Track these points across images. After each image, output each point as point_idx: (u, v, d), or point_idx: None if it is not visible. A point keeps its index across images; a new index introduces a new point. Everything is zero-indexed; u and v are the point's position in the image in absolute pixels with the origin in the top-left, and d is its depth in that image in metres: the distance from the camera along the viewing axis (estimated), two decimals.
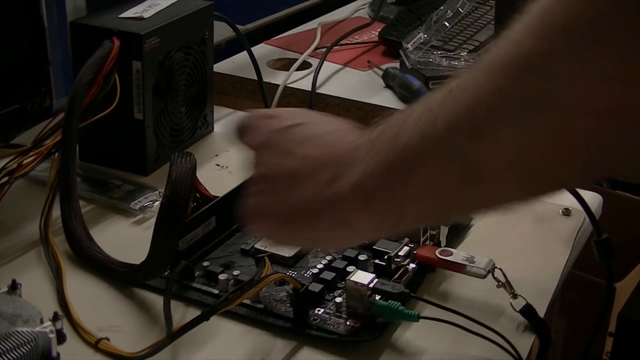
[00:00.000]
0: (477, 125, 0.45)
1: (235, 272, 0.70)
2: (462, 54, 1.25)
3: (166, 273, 0.71)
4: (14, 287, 0.65)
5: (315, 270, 0.71)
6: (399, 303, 0.64)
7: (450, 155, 0.47)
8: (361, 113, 1.33)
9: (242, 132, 0.63)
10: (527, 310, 0.67)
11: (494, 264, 0.68)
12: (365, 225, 0.53)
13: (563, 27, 0.41)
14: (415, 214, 0.51)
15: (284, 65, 1.29)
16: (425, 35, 1.21)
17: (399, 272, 0.69)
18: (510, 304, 0.67)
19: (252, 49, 1.14)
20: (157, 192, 0.86)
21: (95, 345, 0.63)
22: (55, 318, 0.62)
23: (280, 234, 0.59)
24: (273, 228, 0.58)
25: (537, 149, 0.44)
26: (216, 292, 0.69)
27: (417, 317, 0.64)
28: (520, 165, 0.45)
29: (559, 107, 0.42)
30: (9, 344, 0.56)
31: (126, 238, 0.79)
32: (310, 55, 1.30)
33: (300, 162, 0.56)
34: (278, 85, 1.20)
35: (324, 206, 0.53)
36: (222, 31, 1.12)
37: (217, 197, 0.76)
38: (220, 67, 1.23)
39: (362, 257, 0.72)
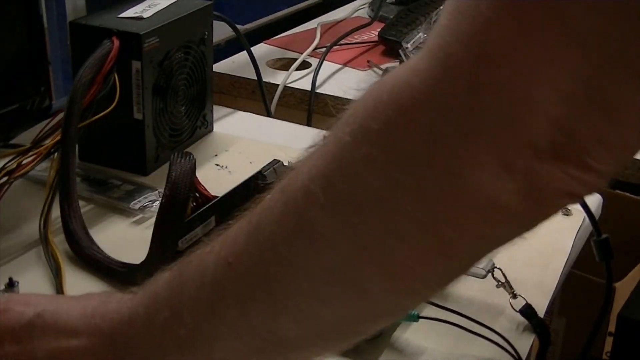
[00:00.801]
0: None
1: None
2: None
3: None
4: (11, 284, 0.65)
5: None
6: None
7: (253, 322, 0.45)
8: None
9: None
10: (527, 310, 0.67)
11: (494, 264, 0.68)
12: None
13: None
14: None
15: (284, 65, 1.29)
16: (425, 35, 1.21)
17: None
18: (510, 303, 0.67)
19: (251, 48, 1.14)
20: (156, 192, 0.86)
21: None
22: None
23: None
24: None
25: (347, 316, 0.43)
26: None
27: (417, 317, 0.64)
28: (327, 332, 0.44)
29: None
30: None
31: (126, 238, 0.79)
32: (310, 55, 1.30)
33: None
34: (278, 85, 1.20)
35: None
36: (221, 31, 1.12)
37: (217, 197, 0.76)
38: (219, 67, 1.23)
39: None
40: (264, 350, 0.45)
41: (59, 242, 0.76)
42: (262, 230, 0.43)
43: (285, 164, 0.89)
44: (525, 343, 0.65)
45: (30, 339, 0.50)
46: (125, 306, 0.49)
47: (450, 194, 0.38)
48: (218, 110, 1.06)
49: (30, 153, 0.78)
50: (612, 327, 1.14)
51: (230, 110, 1.09)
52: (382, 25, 1.38)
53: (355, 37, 1.39)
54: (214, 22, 0.99)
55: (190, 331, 0.45)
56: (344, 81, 1.23)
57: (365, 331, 0.45)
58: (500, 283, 0.68)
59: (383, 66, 1.23)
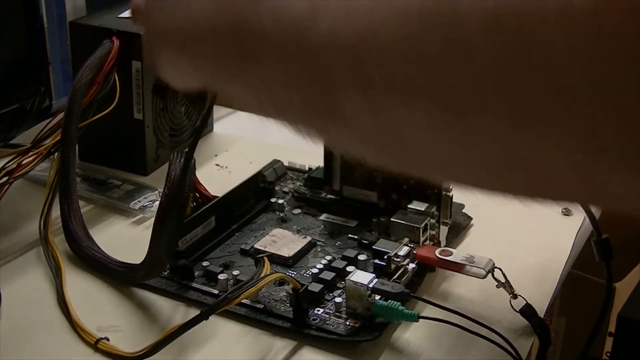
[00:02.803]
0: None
1: (235, 272, 0.70)
2: None
3: (165, 273, 0.71)
4: None
5: (314, 270, 0.71)
6: (398, 303, 0.64)
7: (313, 72, 0.36)
8: None
9: None
10: (527, 310, 0.67)
11: (494, 264, 0.68)
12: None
13: None
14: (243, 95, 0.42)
15: None
16: None
17: (399, 272, 0.69)
18: (510, 304, 0.67)
19: None
20: (156, 192, 0.86)
21: (95, 345, 0.63)
22: None
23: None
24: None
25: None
26: (216, 292, 0.69)
27: (417, 317, 0.64)
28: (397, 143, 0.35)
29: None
30: None
31: (126, 238, 0.79)
32: None
33: None
34: None
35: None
36: None
37: (217, 197, 0.76)
38: None
39: (361, 257, 0.72)
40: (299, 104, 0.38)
41: (59, 242, 0.76)
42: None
43: (285, 164, 0.89)
44: (525, 343, 0.65)
45: None
46: None
47: None
48: (218, 110, 1.06)
49: (30, 153, 0.78)
50: (612, 327, 1.14)
51: (230, 110, 1.09)
52: None
53: None
54: None
55: None
56: None
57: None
58: (500, 283, 0.68)
59: None
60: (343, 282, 0.68)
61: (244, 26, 0.40)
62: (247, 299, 0.66)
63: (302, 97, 0.38)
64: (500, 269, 0.68)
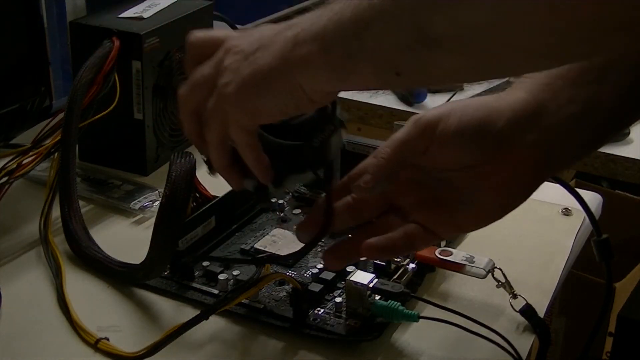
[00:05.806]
0: None
1: (235, 272, 0.70)
2: None
3: (165, 273, 0.71)
4: None
5: (315, 270, 0.71)
6: (398, 303, 0.64)
7: (406, 15, 0.48)
8: (361, 113, 1.33)
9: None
10: (527, 310, 0.67)
11: (494, 264, 0.68)
12: (321, 78, 0.53)
13: None
14: (367, 71, 0.52)
15: None
16: None
17: (399, 272, 0.69)
18: (510, 304, 0.67)
19: None
20: (156, 192, 0.86)
21: (95, 345, 0.63)
22: None
23: (237, 100, 0.56)
24: (231, 91, 0.55)
25: (495, 24, 0.44)
26: (216, 292, 0.69)
27: (417, 317, 0.64)
28: (474, 39, 0.46)
29: None
30: None
31: (126, 238, 0.79)
32: None
33: (258, 39, 0.55)
34: None
35: (283, 62, 0.53)
36: None
37: (217, 197, 0.76)
38: None
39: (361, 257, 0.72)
40: (412, 43, 0.48)
41: (59, 242, 0.76)
42: None
43: None
44: (525, 343, 0.65)
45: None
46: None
47: None
48: None
49: (30, 153, 0.78)
50: (612, 327, 1.14)
51: None
52: None
53: None
54: (214, 22, 0.99)
55: None
56: None
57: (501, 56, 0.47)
58: (500, 283, 0.68)
59: None
60: (343, 282, 0.68)
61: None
62: (247, 299, 0.66)
63: (400, 46, 0.49)
64: (500, 269, 0.68)
